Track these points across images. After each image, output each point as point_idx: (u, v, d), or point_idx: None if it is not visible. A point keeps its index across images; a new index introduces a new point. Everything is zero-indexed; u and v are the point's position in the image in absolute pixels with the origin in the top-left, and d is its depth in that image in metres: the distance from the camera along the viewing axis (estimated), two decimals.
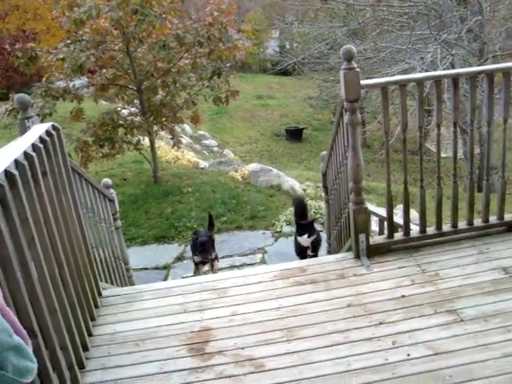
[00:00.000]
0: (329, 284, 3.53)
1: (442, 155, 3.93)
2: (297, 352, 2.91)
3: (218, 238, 7.77)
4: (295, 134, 19.00)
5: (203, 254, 5.97)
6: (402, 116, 3.57)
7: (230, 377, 2.82)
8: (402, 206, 3.87)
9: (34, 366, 1.55)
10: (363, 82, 3.45)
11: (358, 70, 3.38)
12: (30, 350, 1.57)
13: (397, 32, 12.69)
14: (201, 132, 17.26)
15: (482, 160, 12.63)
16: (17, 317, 1.68)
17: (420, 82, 3.57)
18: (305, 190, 9.55)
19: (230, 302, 3.48)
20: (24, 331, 1.61)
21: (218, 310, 3.42)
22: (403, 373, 2.71)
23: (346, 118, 3.50)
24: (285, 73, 22.21)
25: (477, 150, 12.53)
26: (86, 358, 3.09)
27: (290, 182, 9.80)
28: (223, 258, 7.13)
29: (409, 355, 2.81)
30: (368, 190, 9.50)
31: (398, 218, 4.02)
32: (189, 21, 10.27)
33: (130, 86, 9.73)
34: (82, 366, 3.01)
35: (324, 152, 5.19)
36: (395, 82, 3.56)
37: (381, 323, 3.10)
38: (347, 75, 3.37)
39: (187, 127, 15.77)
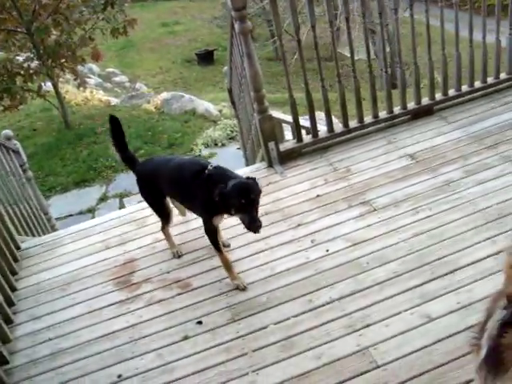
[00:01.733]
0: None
1: (355, 57, 3.90)
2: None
3: None
4: (207, 57, 18.57)
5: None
6: (292, 18, 3.53)
7: (159, 301, 2.87)
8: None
9: None
10: None
11: None
12: None
13: None
14: (109, 69, 16.59)
15: (392, 57, 12.84)
16: None
17: None
18: (220, 111, 9.47)
19: (151, 230, 3.47)
20: None
21: (139, 240, 3.42)
22: (325, 267, 2.82)
23: (236, 27, 3.42)
24: None
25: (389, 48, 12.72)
26: (14, 313, 3.05)
27: (205, 105, 9.68)
28: None
29: (328, 250, 2.92)
30: (283, 102, 9.52)
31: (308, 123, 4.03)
32: None
33: (19, 30, 9.10)
34: (9, 321, 2.96)
35: (225, 67, 5.10)
36: None
37: (299, 225, 3.19)
38: None
39: (94, 67, 15.11)
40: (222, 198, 2.59)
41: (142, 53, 19.63)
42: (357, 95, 3.85)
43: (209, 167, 2.75)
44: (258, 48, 14.05)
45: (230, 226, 3.18)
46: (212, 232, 2.85)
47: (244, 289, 2.78)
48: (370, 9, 10.76)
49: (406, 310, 2.46)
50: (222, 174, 2.70)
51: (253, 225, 2.60)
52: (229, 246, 3.12)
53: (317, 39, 3.70)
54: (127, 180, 7.75)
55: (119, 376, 2.47)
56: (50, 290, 3.20)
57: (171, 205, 3.22)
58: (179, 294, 2.87)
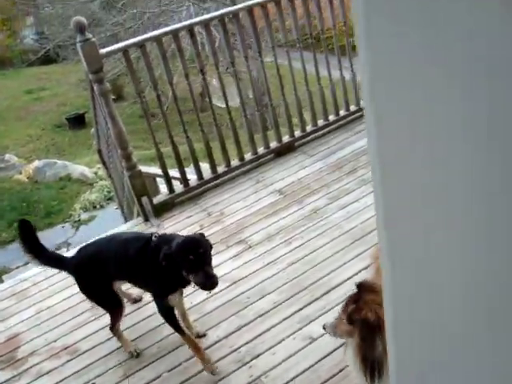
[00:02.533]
0: None
1: (221, 105, 4.13)
2: (107, 326, 2.94)
3: (15, 245, 7.37)
4: (77, 121, 18.26)
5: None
6: (149, 75, 3.68)
7: (48, 372, 2.79)
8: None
9: None
10: (102, 50, 3.46)
11: (93, 40, 3.36)
12: None
13: None
14: None
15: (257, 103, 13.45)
16: None
17: (158, 39, 3.68)
18: (96, 173, 9.38)
19: (33, 301, 3.37)
20: None
21: (21, 314, 3.30)
22: (208, 309, 2.91)
23: (95, 89, 3.50)
24: (50, 61, 21.10)
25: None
26: None
27: (79, 169, 9.55)
28: (28, 263, 6.79)
29: (209, 293, 3.01)
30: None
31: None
32: None
33: None
34: None
35: (92, 129, 5.14)
36: (134, 44, 3.61)
37: None
38: (84, 47, 3.34)
39: None
40: (169, 259, 2.32)
41: (8, 123, 18.93)
42: (221, 141, 4.04)
43: (153, 238, 2.49)
44: (127, 106, 14.14)
45: None
46: (167, 312, 2.56)
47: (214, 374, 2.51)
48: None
49: (288, 336, 2.61)
50: (167, 239, 2.45)
51: (208, 281, 2.31)
52: (204, 335, 2.74)
53: (175, 93, 3.88)
54: (4, 256, 7.42)
55: None
56: None
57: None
58: (69, 361, 2.81)
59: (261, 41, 4.30)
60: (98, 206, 8.05)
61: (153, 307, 2.74)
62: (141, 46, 3.61)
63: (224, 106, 4.11)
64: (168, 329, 2.79)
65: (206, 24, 3.87)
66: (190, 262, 2.30)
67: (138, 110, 17.57)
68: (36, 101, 21.04)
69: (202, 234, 2.52)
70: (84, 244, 2.94)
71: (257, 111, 4.68)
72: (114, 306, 2.74)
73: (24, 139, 17.49)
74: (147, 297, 2.97)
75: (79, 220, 7.79)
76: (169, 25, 12.70)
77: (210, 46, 4.10)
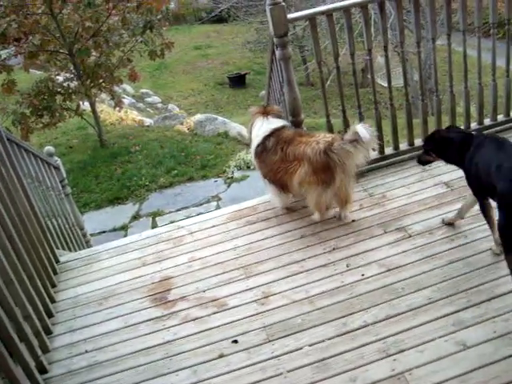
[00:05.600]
0: (281, 219, 3.62)
1: (382, 83, 3.99)
2: (257, 287, 3.01)
3: (171, 191, 7.82)
4: (238, 81, 18.81)
5: None
6: (332, 45, 3.60)
7: (194, 319, 2.90)
8: None
9: None
10: (290, 15, 3.45)
11: (283, 4, 3.36)
12: None
13: None
14: (143, 90, 16.93)
15: (423, 86, 12.87)
16: None
17: (347, 10, 3.58)
18: None
19: (187, 249, 3.53)
20: None
21: (176, 259, 3.47)
22: (359, 292, 2.84)
23: (277, 53, 3.50)
24: (221, 20, 21.83)
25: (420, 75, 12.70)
26: (52, 324, 3.12)
27: (237, 128, 9.82)
28: (179, 210, 7.18)
29: (363, 275, 2.94)
30: (316, 127, 9.58)
31: None
32: None
33: (61, 51, 9.42)
34: (49, 332, 3.04)
35: (263, 92, 5.20)
36: (322, 12, 3.56)
37: (334, 249, 3.22)
38: (273, 11, 3.35)
39: (128, 87, 15.44)
40: None
41: (175, 75, 19.98)
42: (393, 122, 3.89)
43: None
44: None
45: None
46: None
47: None
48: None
49: (440, 337, 2.46)
50: None
51: None
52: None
53: (355, 66, 3.77)
54: (160, 199, 7.89)
55: None
56: (87, 303, 3.28)
57: None
58: (215, 313, 2.91)
59: (436, 23, 3.99)
60: (251, 167, 8.24)
61: None
62: (328, 15, 3.54)
63: (386, 84, 3.92)
64: (317, 301, 2.79)
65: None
66: None
67: (297, 79, 17.77)
68: (202, 57, 21.95)
69: None
70: None
71: (420, 96, 4.37)
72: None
73: (187, 92, 18.37)
74: None
75: (232, 177, 8.03)
76: None
77: (382, 24, 3.86)
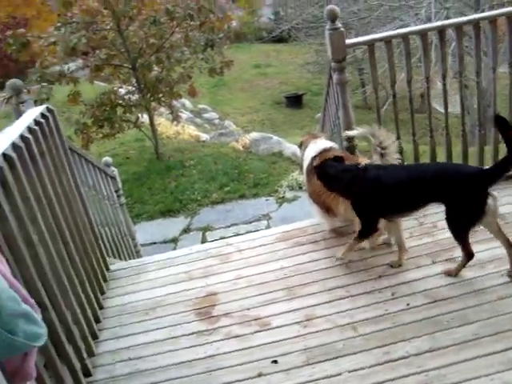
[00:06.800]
0: (329, 242, 3.62)
1: (439, 109, 3.96)
2: (300, 309, 3.01)
3: (222, 207, 7.91)
4: (295, 101, 18.91)
5: None
6: (389, 72, 3.61)
7: (236, 336, 2.93)
8: None
9: (43, 331, 1.64)
10: (349, 40, 3.48)
11: (342, 30, 3.41)
12: (38, 317, 1.66)
13: None
14: (201, 106, 17.22)
15: (483, 114, 12.60)
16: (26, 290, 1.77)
17: (405, 37, 3.59)
18: None
19: (234, 267, 3.58)
20: (32, 300, 1.70)
21: (222, 275, 3.52)
22: (403, 321, 2.80)
23: (334, 77, 3.54)
24: (281, 40, 22.06)
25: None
26: (99, 329, 3.22)
27: (292, 148, 9.84)
28: (229, 227, 7.25)
29: (408, 304, 2.91)
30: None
31: None
32: None
33: (125, 65, 9.76)
34: (95, 337, 3.14)
35: (319, 114, 5.24)
36: (380, 39, 3.58)
37: (380, 276, 3.20)
38: (332, 36, 3.40)
39: (187, 102, 15.75)
40: None
41: (233, 92, 20.25)
42: (448, 150, 3.84)
43: None
44: None
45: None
46: None
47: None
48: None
49: (486, 375, 2.38)
50: None
51: None
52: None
53: (411, 94, 3.76)
54: (211, 214, 8.00)
55: None
56: (134, 312, 3.36)
57: None
58: (257, 332, 2.93)
59: (498, 52, 3.92)
60: (303, 188, 8.25)
61: None
62: (387, 41, 3.56)
63: (443, 110, 3.89)
64: (360, 328, 2.78)
65: (457, 27, 3.66)
66: None
67: (354, 101, 17.69)
68: (261, 75, 22.18)
69: None
70: None
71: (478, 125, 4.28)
72: None
73: (244, 110, 18.58)
74: None
75: (283, 197, 8.06)
76: (403, 20, 12.46)
77: (441, 53, 3.82)
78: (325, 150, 3.47)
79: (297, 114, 18.27)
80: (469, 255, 2.99)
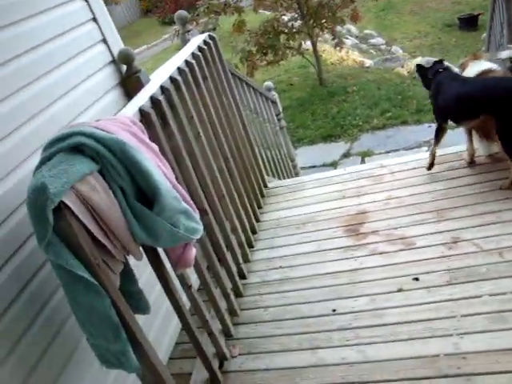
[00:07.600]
0: (483, 167, 3.51)
1: None
2: (447, 231, 3.01)
3: (383, 133, 7.84)
4: (469, 22, 17.47)
5: None
6: None
7: (381, 253, 3.04)
8: None
9: (199, 227, 1.91)
10: None
11: None
12: (196, 216, 1.93)
13: None
14: (367, 31, 16.72)
15: None
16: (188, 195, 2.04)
17: None
18: None
19: (386, 188, 3.65)
20: (191, 201, 1.98)
21: (374, 195, 3.62)
22: None
23: None
24: None
25: None
26: (255, 240, 3.53)
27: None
28: (389, 152, 7.21)
29: None
30: None
31: None
32: None
33: None
34: (251, 246, 3.46)
35: (484, 34, 4.91)
36: None
37: None
38: None
39: (352, 28, 15.41)
40: None
41: (401, 16, 19.27)
42: None
43: None
44: None
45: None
46: None
47: None
48: None
49: None
50: None
51: None
52: None
53: None
54: (371, 140, 7.98)
55: (334, 310, 2.73)
56: (287, 226, 3.61)
57: None
58: (402, 250, 3.01)
59: None
60: None
61: None
62: None
63: None
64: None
65: None
66: None
67: None
68: None
69: None
70: None
71: None
72: None
73: (412, 34, 17.68)
74: None
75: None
76: None
77: None
78: (484, 72, 3.31)
79: (470, 37, 16.94)
80: None
